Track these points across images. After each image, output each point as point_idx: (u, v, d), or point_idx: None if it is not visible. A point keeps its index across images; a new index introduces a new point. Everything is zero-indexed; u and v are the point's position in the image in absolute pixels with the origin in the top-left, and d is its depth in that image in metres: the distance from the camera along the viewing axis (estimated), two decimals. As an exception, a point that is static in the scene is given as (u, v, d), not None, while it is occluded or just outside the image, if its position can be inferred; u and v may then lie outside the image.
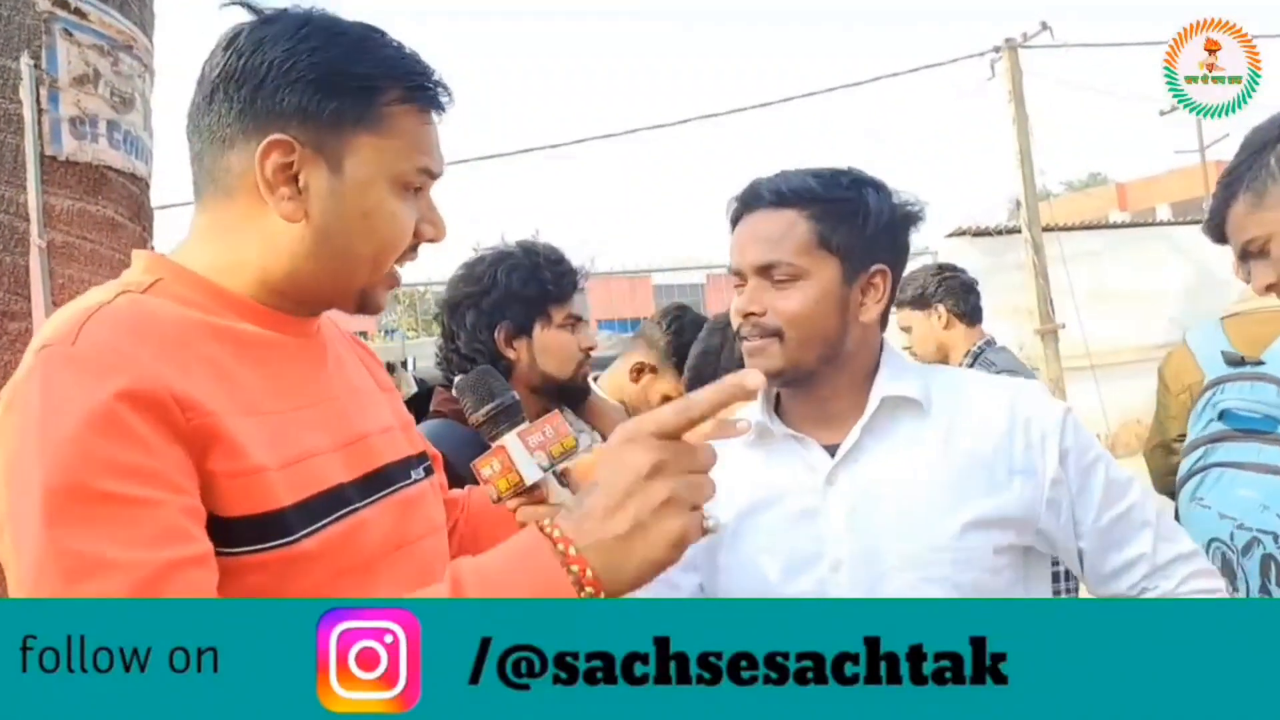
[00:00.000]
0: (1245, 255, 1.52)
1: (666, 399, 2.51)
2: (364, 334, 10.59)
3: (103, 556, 0.81)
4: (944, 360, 3.29)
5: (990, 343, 3.33)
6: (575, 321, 2.00)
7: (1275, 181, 1.47)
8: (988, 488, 1.29)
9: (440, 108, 1.07)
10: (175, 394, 0.88)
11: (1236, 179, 1.50)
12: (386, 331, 11.67)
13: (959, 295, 3.35)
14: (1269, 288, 1.54)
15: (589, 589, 0.82)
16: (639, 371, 2.59)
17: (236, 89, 0.99)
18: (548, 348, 1.96)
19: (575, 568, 0.82)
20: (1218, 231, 1.56)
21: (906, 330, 3.41)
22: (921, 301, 3.35)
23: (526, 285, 1.93)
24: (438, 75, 1.06)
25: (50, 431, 0.83)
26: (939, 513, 1.28)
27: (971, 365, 3.22)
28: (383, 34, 1.05)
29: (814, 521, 1.33)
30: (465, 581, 0.83)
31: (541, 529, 0.85)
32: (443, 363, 2.05)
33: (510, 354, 1.95)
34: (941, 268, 3.47)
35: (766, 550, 1.36)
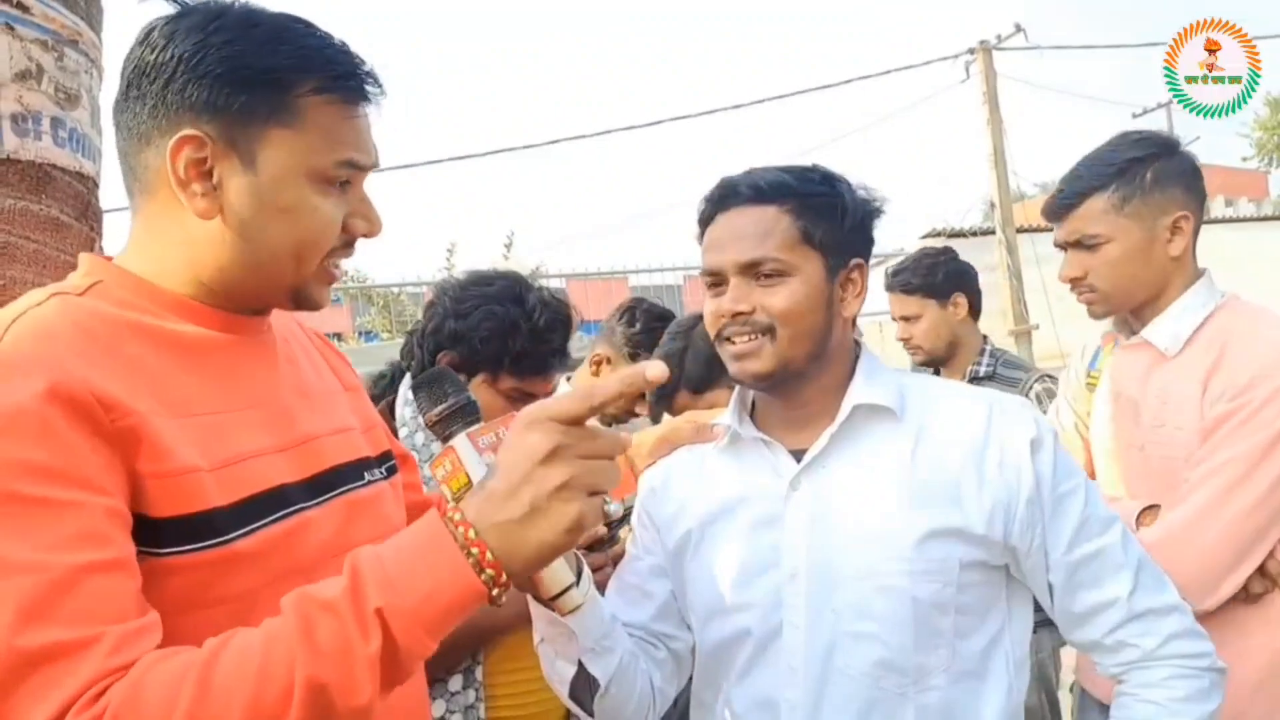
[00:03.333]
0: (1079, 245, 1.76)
1: None
2: (339, 336, 10.50)
3: (12, 557, 0.79)
4: (951, 356, 2.95)
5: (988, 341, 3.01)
6: (522, 396, 1.85)
7: (1143, 194, 1.69)
8: (952, 500, 1.25)
9: (364, 98, 1.03)
10: (98, 394, 0.86)
11: (1108, 177, 1.71)
12: (363, 334, 11.58)
13: (974, 285, 2.98)
14: (1073, 280, 1.78)
15: (489, 570, 0.84)
16: (598, 364, 2.62)
17: (149, 84, 0.98)
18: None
19: (475, 550, 0.84)
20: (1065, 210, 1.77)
21: (909, 319, 2.97)
22: (937, 289, 2.92)
23: (489, 341, 1.80)
24: (366, 66, 1.03)
25: None
26: (898, 522, 1.25)
27: (994, 369, 2.90)
28: (305, 24, 1.02)
29: (775, 528, 1.30)
30: (365, 576, 0.83)
31: (442, 513, 0.86)
32: (405, 349, 1.98)
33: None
34: (944, 251, 3.04)
35: (729, 555, 1.33)
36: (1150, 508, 1.69)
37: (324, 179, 1.01)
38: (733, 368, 1.32)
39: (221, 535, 0.92)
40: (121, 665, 0.80)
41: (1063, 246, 1.81)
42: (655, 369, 0.88)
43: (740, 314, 1.28)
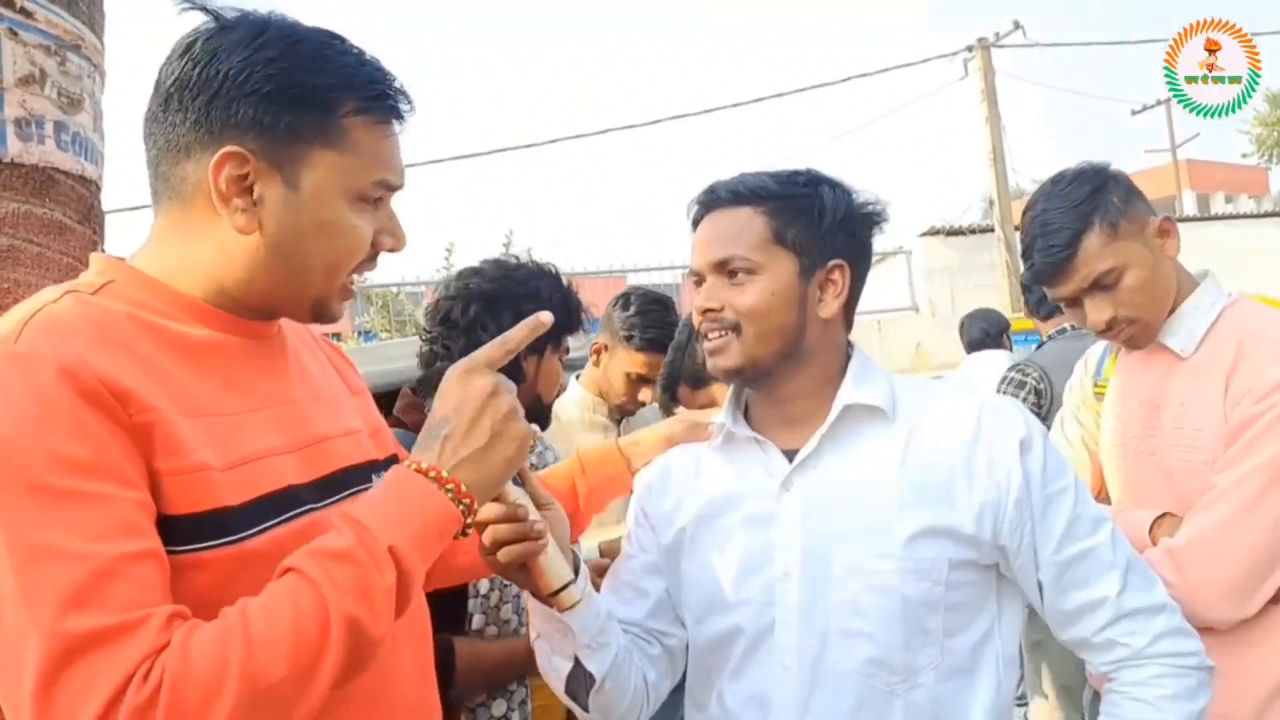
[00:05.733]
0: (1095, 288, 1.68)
1: (626, 375, 2.62)
2: (338, 336, 10.51)
3: (56, 546, 0.81)
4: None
5: (1062, 331, 3.45)
6: (565, 354, 2.07)
7: (1124, 215, 1.66)
8: (942, 500, 1.27)
9: (399, 117, 1.06)
10: (116, 389, 0.88)
11: (1086, 215, 1.66)
12: (362, 334, 11.58)
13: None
14: (1109, 323, 1.68)
15: (465, 501, 0.98)
16: (597, 353, 2.69)
17: (191, 98, 0.98)
18: (548, 372, 2.00)
19: (450, 486, 0.97)
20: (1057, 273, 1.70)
21: None
22: None
23: (557, 310, 1.87)
24: (398, 83, 1.05)
25: None
26: (887, 521, 1.26)
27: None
28: (342, 41, 1.04)
29: (768, 527, 1.32)
30: (368, 523, 0.92)
31: (407, 467, 0.98)
32: (443, 353, 1.99)
33: (525, 365, 1.97)
34: None
35: (722, 553, 1.35)
36: (1163, 517, 1.67)
37: (360, 198, 1.03)
38: (708, 363, 1.35)
39: (234, 534, 0.93)
40: (168, 642, 0.83)
41: (1073, 300, 1.74)
42: (545, 315, 1.08)
43: (710, 311, 1.32)
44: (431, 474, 0.97)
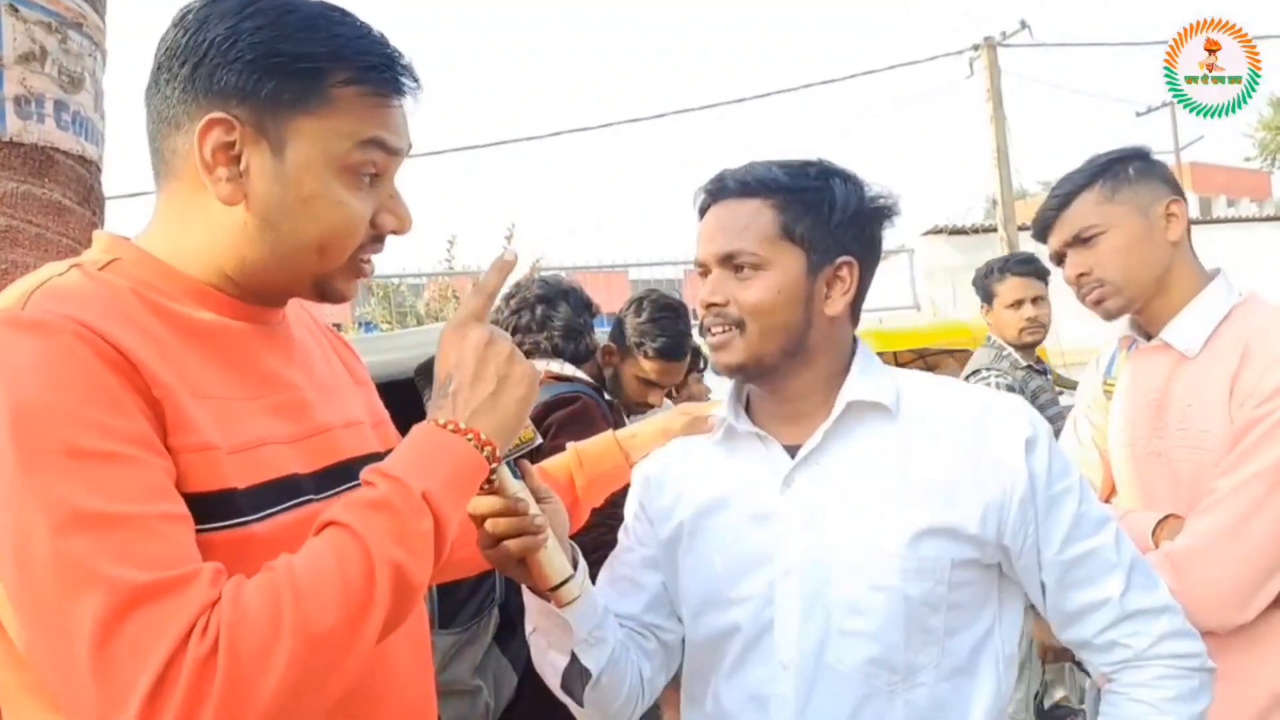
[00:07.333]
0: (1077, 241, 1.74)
1: (638, 379, 2.71)
2: (338, 326, 10.49)
3: (95, 509, 0.79)
4: None
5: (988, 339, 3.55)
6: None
7: (1129, 184, 1.71)
8: (946, 499, 1.24)
9: (399, 91, 1.02)
10: (131, 359, 0.86)
11: (1092, 175, 1.73)
12: (362, 324, 11.57)
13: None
14: (1080, 276, 1.74)
15: (487, 448, 0.98)
16: (609, 354, 2.74)
17: (179, 66, 0.96)
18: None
19: (470, 436, 0.97)
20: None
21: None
22: None
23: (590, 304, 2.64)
24: (401, 57, 1.02)
25: (17, 394, 0.81)
26: (890, 520, 1.24)
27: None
28: (342, 13, 1.01)
29: (769, 523, 1.30)
30: (399, 473, 0.92)
31: (426, 424, 0.99)
32: (534, 350, 2.45)
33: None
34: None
35: (721, 550, 1.33)
36: (1166, 519, 1.65)
37: (351, 169, 1.00)
38: (710, 358, 1.33)
39: (241, 516, 0.91)
40: (220, 595, 0.82)
41: (1059, 255, 1.79)
42: (510, 251, 1.11)
43: (714, 305, 1.30)
44: (449, 427, 0.97)
